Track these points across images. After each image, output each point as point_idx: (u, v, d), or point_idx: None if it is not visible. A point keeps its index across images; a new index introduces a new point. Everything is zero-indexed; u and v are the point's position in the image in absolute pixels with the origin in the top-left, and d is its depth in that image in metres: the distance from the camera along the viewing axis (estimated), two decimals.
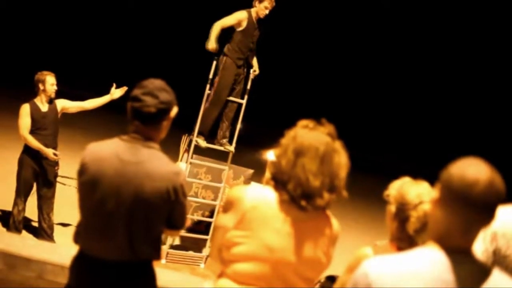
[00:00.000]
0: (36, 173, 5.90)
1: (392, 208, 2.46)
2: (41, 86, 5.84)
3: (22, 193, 5.89)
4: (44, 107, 5.91)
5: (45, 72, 5.91)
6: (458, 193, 1.60)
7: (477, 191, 1.58)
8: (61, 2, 20.54)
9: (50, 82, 5.88)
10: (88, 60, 19.51)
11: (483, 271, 1.63)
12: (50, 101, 5.96)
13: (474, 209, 1.59)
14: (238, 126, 6.52)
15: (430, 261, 1.61)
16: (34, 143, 5.78)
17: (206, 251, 6.39)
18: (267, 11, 6.16)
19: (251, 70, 6.43)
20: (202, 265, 6.35)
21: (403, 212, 2.40)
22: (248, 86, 6.42)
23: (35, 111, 5.85)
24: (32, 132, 5.83)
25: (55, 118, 5.99)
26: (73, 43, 20.24)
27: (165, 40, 21.08)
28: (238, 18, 6.16)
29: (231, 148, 6.47)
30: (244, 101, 6.43)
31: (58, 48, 19.13)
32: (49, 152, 5.82)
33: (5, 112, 11.68)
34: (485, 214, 1.62)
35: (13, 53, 17.64)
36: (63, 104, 6.08)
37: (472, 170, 1.61)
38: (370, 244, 2.58)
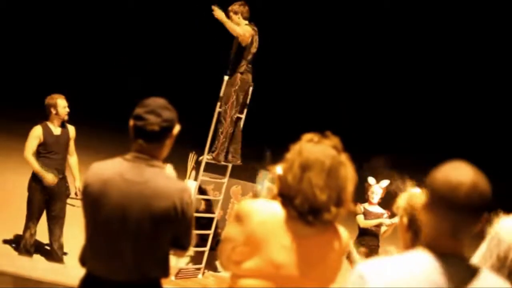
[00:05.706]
0: (48, 195, 5.75)
1: (404, 220, 2.49)
2: (53, 111, 5.70)
3: (34, 216, 5.74)
4: (56, 130, 5.77)
5: (55, 96, 5.75)
6: (442, 197, 1.64)
7: (461, 194, 1.61)
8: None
9: (61, 105, 5.73)
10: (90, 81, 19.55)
11: (473, 273, 1.65)
12: (63, 125, 5.84)
13: (459, 211, 1.63)
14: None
15: (420, 263, 1.64)
16: (35, 166, 5.63)
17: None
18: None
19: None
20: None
21: (415, 222, 2.42)
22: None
23: (47, 134, 5.71)
24: (43, 155, 5.69)
25: (67, 142, 5.86)
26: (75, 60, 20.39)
27: (178, 62, 21.24)
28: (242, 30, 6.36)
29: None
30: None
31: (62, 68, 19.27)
32: (48, 177, 5.63)
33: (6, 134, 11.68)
34: (471, 216, 1.65)
35: (15, 73, 17.74)
36: (73, 135, 5.96)
37: (455, 173, 1.65)
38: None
